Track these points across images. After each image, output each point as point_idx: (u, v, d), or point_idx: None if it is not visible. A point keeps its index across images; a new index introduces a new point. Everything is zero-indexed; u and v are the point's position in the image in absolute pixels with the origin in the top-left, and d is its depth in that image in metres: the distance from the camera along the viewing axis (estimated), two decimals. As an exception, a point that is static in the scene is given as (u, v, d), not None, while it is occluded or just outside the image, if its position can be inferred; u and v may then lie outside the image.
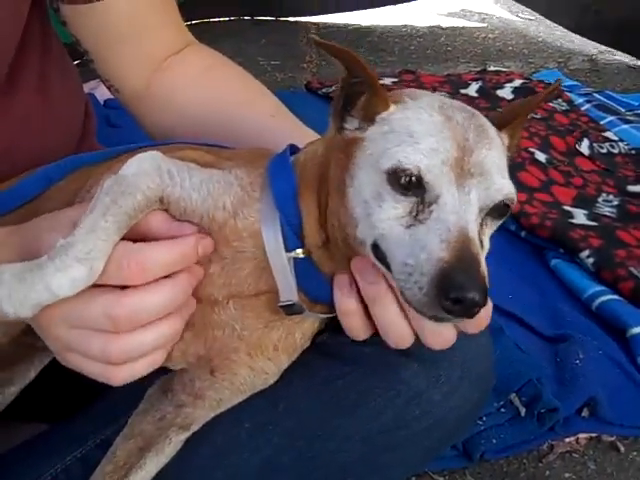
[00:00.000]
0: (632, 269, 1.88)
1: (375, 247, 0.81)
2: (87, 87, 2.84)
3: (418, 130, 0.78)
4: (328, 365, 1.05)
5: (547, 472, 1.52)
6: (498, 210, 0.80)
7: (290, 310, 0.91)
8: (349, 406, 1.04)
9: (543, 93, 0.94)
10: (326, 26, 4.39)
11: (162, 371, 0.97)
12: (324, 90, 3.13)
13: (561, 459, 1.54)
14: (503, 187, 0.79)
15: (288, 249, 0.88)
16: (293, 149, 0.97)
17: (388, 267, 0.80)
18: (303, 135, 1.16)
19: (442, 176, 0.77)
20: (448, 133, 0.78)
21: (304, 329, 0.97)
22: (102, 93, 2.82)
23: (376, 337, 1.02)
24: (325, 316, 0.96)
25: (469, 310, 0.73)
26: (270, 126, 1.20)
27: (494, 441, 1.50)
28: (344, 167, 0.83)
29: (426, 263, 0.74)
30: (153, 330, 0.85)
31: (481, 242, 0.79)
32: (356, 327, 0.92)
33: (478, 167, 0.78)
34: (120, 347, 0.84)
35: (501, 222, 0.83)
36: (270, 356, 0.97)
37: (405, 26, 4.36)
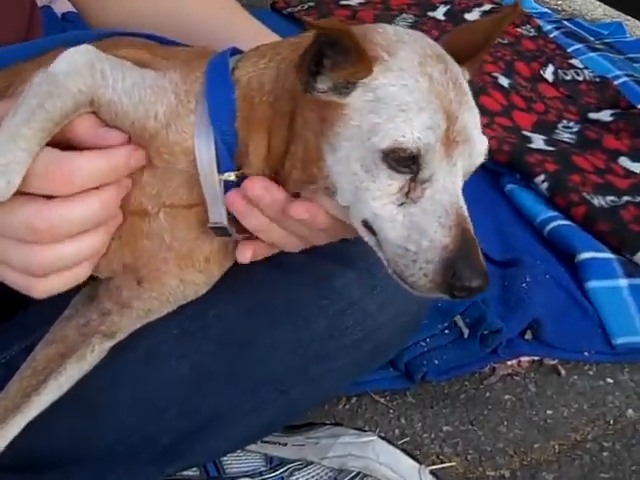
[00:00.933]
0: (585, 194, 1.86)
1: (364, 222, 0.79)
2: (45, 0, 2.74)
3: (408, 102, 0.74)
4: (261, 272, 1.02)
5: (487, 394, 1.52)
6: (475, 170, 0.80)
7: (219, 232, 0.88)
8: (280, 314, 1.02)
9: (502, 16, 0.84)
10: (296, -55, 4.25)
11: (91, 279, 0.94)
12: (289, 9, 3.04)
13: (502, 381, 1.55)
14: (482, 149, 0.78)
15: (221, 170, 0.84)
16: (234, 52, 0.91)
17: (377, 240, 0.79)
18: (254, 31, 1.11)
19: (436, 154, 0.74)
20: (436, 102, 0.74)
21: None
22: (60, 7, 2.72)
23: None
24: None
25: (473, 296, 0.75)
26: (218, 18, 1.14)
27: (436, 362, 1.50)
28: (319, 132, 0.78)
29: (430, 251, 0.73)
30: (75, 243, 0.82)
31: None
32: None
33: (463, 134, 0.76)
34: (40, 259, 0.81)
35: None
36: (201, 268, 0.94)
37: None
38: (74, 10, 1.55)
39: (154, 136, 0.84)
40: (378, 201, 0.76)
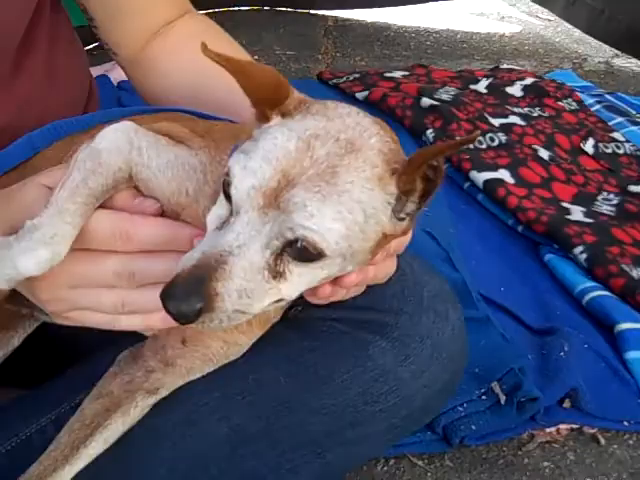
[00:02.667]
0: (624, 266, 1.88)
1: None
2: (102, 69, 2.89)
3: (261, 149, 0.79)
4: (299, 339, 1.08)
5: (525, 460, 1.53)
6: (298, 251, 0.78)
7: None
8: (317, 380, 1.07)
9: (457, 142, 0.87)
10: (343, 19, 4.40)
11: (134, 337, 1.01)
12: (334, 80, 3.15)
13: (540, 449, 1.56)
14: (298, 228, 0.76)
15: None
16: None
17: None
18: None
19: (247, 198, 0.77)
20: (282, 162, 0.77)
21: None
22: (116, 75, 2.86)
23: (348, 314, 1.07)
24: None
25: (177, 318, 0.77)
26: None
27: (473, 427, 1.52)
28: None
29: (178, 268, 0.78)
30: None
31: (280, 273, 0.80)
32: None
33: (289, 204, 0.76)
34: (133, 300, 0.90)
35: (313, 264, 0.80)
36: (244, 330, 1.00)
37: (422, 24, 4.36)
38: (128, 79, 1.68)
39: (186, 208, 0.92)
40: (209, 218, 0.83)
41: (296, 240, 0.77)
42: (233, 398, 1.06)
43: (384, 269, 0.95)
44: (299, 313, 1.09)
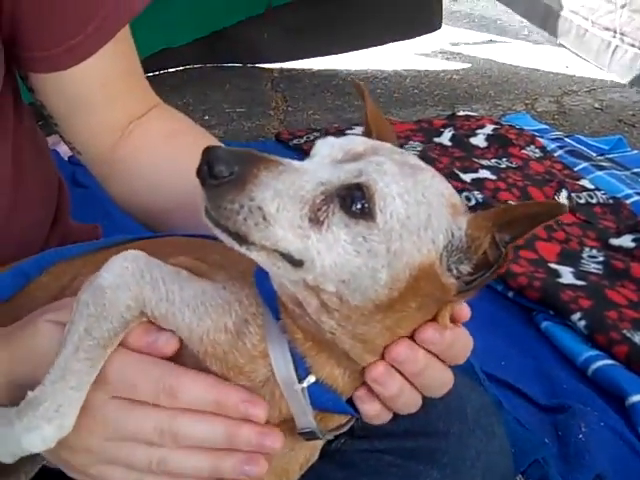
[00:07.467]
0: (625, 332, 1.85)
1: None
2: (49, 142, 2.75)
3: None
4: (345, 478, 0.99)
5: None
6: (350, 201, 0.72)
7: (309, 436, 0.85)
8: None
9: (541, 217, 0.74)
10: (289, 69, 4.37)
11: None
12: (295, 142, 3.09)
13: (571, 541, 1.49)
14: (366, 174, 0.72)
15: (298, 374, 0.81)
16: None
17: None
18: None
19: (326, 147, 0.77)
20: (371, 142, 0.78)
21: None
22: (66, 149, 2.72)
23: (396, 444, 0.99)
24: (343, 430, 0.89)
25: (207, 175, 0.70)
26: None
27: (502, 529, 1.45)
28: None
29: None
30: (201, 456, 0.81)
31: (319, 220, 0.72)
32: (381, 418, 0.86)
33: (367, 159, 0.74)
34: (170, 460, 0.81)
35: (354, 229, 0.72)
36: (296, 477, 0.91)
37: (369, 68, 4.35)
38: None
39: (229, 351, 0.81)
40: None
41: (356, 187, 0.72)
42: None
43: (462, 339, 0.83)
44: (342, 446, 1.01)
